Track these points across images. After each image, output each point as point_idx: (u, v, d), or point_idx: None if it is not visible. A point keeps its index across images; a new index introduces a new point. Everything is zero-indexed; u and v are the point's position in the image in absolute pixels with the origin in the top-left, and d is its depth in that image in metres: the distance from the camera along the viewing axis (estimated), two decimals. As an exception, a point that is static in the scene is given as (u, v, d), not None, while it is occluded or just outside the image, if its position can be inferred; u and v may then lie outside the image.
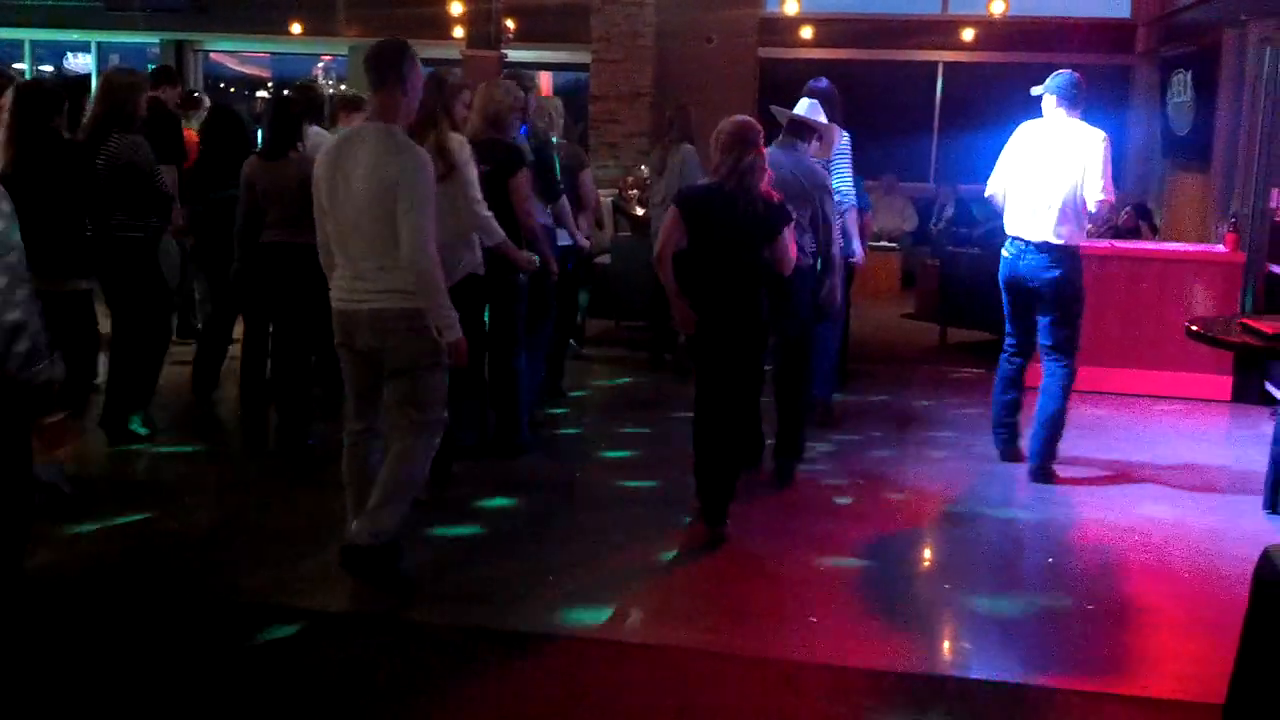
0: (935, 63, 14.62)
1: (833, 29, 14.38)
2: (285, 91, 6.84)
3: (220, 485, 6.14)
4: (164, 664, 4.10)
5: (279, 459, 6.46)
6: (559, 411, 7.46)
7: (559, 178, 6.78)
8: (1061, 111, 6.14)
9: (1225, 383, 8.28)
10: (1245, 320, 5.51)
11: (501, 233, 5.74)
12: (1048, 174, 6.08)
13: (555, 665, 4.17)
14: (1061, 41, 13.79)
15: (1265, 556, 3.16)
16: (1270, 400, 7.91)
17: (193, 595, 4.67)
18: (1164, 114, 12.10)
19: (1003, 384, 6.53)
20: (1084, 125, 6.13)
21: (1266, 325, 5.21)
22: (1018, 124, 6.34)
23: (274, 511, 5.65)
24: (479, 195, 5.56)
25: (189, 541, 5.26)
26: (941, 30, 14.35)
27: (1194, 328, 5.44)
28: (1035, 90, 6.25)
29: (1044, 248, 6.09)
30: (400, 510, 4.59)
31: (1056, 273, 6.09)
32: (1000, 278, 6.36)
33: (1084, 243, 6.25)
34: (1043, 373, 6.32)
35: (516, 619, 4.49)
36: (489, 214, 5.63)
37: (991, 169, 6.41)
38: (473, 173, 5.55)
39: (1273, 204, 8.22)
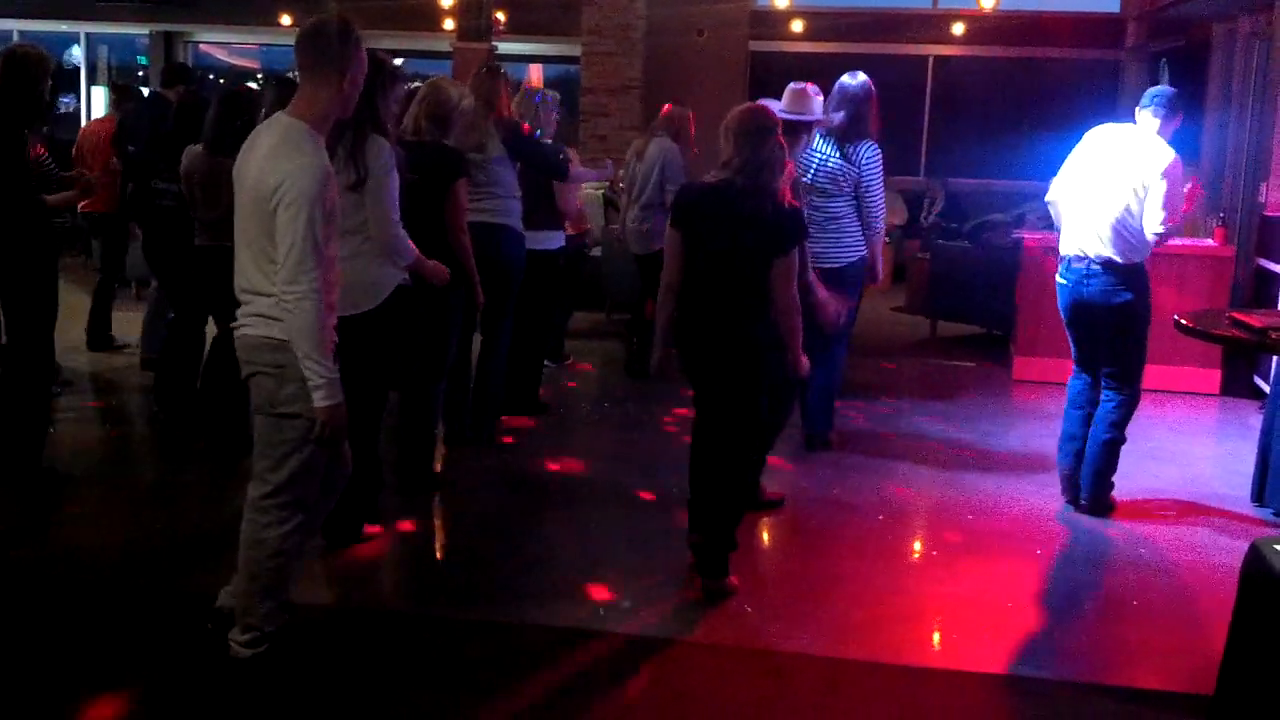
0: (925, 57, 14.64)
1: (823, 22, 14.39)
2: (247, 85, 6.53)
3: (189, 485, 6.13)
4: (154, 665, 4.11)
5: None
6: (543, 406, 7.42)
7: (552, 160, 6.53)
8: (1152, 121, 5.58)
9: (1214, 376, 8.31)
10: (1234, 314, 5.51)
11: (414, 253, 4.83)
12: (1110, 187, 5.51)
13: (549, 657, 4.17)
14: (1051, 36, 13.82)
15: (1253, 548, 3.17)
16: (1258, 393, 7.94)
17: (169, 595, 4.67)
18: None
19: (1072, 400, 5.88)
20: (1157, 141, 5.55)
21: (1255, 319, 5.22)
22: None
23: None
24: (394, 211, 4.67)
25: (165, 541, 5.26)
26: (932, 24, 14.38)
27: (1183, 321, 5.44)
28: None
29: (1109, 266, 5.52)
30: (273, 599, 3.89)
31: (1125, 296, 5.53)
32: (1061, 304, 5.76)
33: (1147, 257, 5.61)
34: (1100, 400, 5.77)
35: (509, 612, 4.50)
36: (403, 233, 4.74)
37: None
38: (392, 184, 4.66)
39: (1261, 198, 8.25)
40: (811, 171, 6.35)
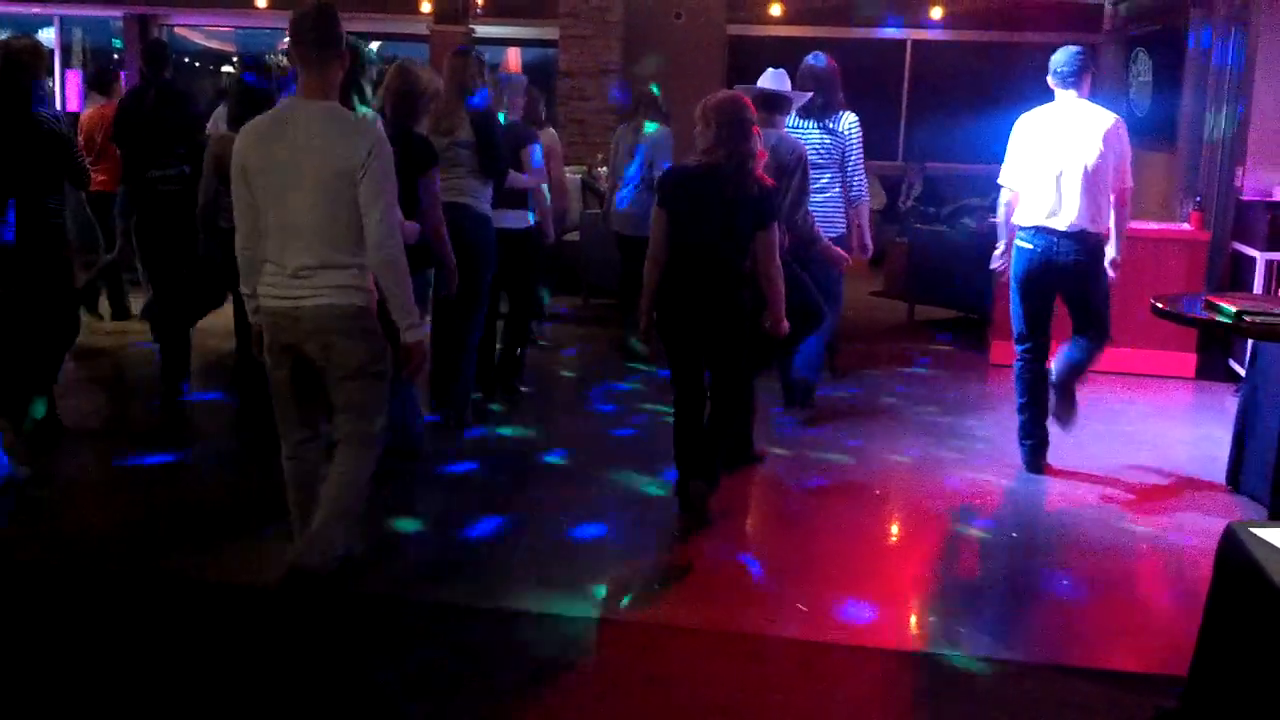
0: (904, 41, 14.63)
1: (801, 6, 14.35)
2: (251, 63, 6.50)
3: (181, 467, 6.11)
4: (129, 647, 4.09)
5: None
6: (524, 390, 7.41)
7: (503, 160, 6.43)
8: (1069, 92, 5.85)
9: (1190, 360, 8.34)
10: (1210, 298, 5.53)
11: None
12: (1069, 158, 5.75)
13: (523, 641, 4.17)
14: (1029, 20, 13.81)
15: (1228, 532, 3.18)
16: (1234, 377, 7.97)
17: (155, 576, 4.65)
18: (1129, 93, 12.14)
19: (1025, 391, 6.04)
20: (1096, 107, 5.85)
21: (1230, 302, 5.24)
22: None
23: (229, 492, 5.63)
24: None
25: (156, 521, 5.24)
26: (910, 8, 14.35)
27: (1159, 305, 5.46)
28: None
29: (1077, 236, 5.73)
30: (347, 528, 4.30)
31: (1088, 262, 5.78)
32: (1018, 274, 5.94)
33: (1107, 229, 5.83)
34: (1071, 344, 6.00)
35: (481, 594, 4.50)
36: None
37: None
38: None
39: (1237, 182, 8.27)
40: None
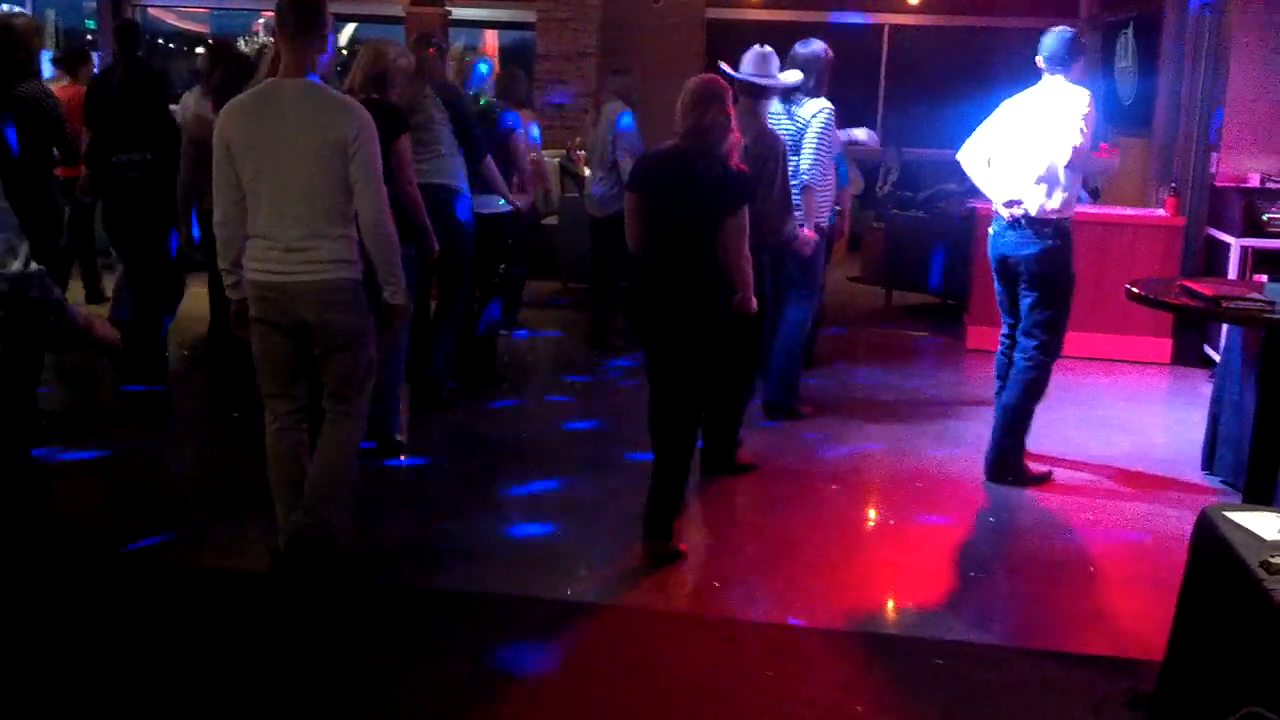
0: (881, 25, 14.62)
1: (780, -11, 14.32)
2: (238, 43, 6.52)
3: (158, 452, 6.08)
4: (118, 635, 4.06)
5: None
6: (498, 377, 7.40)
7: (478, 135, 6.51)
8: (1056, 75, 5.67)
9: (1165, 345, 8.39)
10: (1185, 283, 5.55)
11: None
12: (1027, 140, 5.67)
13: (503, 624, 4.17)
14: (1007, 5, 13.82)
15: (1203, 516, 3.19)
16: (1208, 362, 8.01)
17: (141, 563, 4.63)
18: (1108, 79, 12.17)
19: (1003, 376, 5.87)
20: (1067, 84, 5.65)
21: (1205, 287, 5.26)
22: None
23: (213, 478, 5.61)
24: None
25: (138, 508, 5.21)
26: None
27: (1134, 290, 5.47)
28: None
29: (1026, 221, 5.63)
30: (340, 500, 4.48)
31: (1035, 248, 5.61)
32: (994, 258, 5.83)
33: (1071, 213, 5.69)
34: (1015, 360, 5.79)
35: (463, 579, 4.49)
36: None
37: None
38: None
39: (1212, 169, 8.30)
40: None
